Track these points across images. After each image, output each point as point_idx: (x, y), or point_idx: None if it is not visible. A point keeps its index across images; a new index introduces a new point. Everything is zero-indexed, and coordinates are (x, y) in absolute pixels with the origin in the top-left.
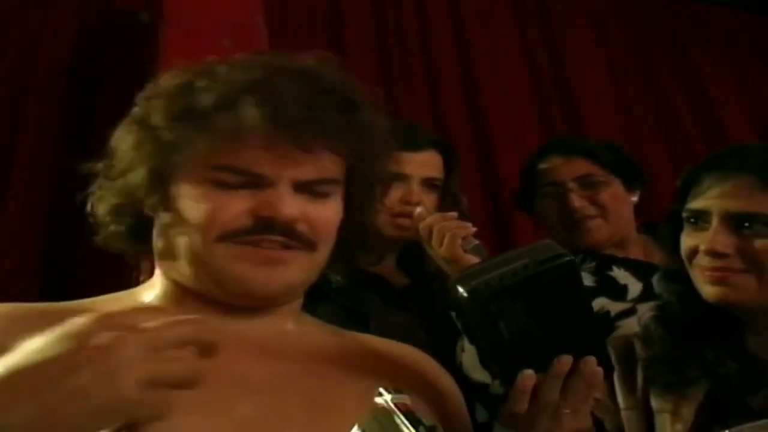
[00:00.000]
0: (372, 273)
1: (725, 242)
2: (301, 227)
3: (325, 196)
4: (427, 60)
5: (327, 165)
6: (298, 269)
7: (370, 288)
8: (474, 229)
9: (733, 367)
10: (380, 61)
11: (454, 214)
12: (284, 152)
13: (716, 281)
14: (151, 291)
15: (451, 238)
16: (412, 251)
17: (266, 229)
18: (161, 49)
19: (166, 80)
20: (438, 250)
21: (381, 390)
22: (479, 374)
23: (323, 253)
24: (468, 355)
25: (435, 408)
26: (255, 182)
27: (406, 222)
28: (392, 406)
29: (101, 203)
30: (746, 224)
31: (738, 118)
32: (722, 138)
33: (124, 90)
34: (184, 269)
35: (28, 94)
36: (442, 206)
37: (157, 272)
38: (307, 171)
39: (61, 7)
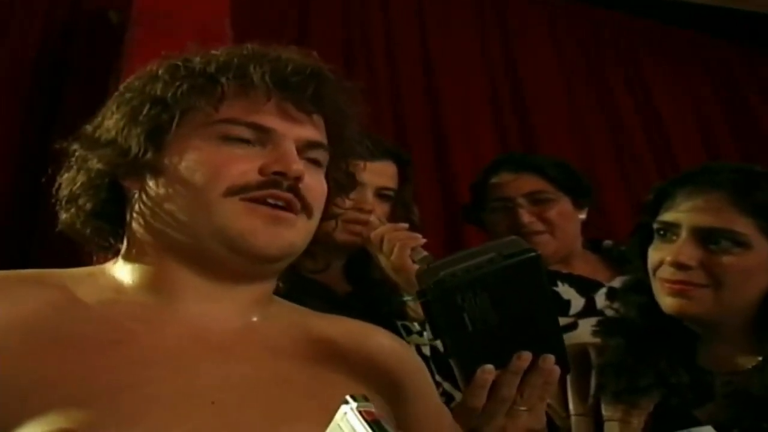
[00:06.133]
0: (314, 280)
1: (690, 255)
2: (303, 189)
3: (318, 164)
4: (392, 69)
5: (321, 131)
6: (298, 233)
7: (311, 294)
8: (423, 240)
9: (684, 377)
10: (345, 71)
11: (405, 225)
12: (289, 112)
13: (676, 293)
14: (124, 270)
15: (401, 248)
16: (358, 259)
17: (274, 185)
18: (129, 48)
19: (158, 62)
20: (387, 259)
21: (347, 398)
22: None
23: (315, 223)
24: None
25: (405, 391)
26: (262, 138)
27: (357, 229)
28: (358, 414)
29: (76, 177)
30: (713, 239)
31: (686, 136)
32: (669, 151)
33: (90, 89)
34: (178, 231)
35: None
36: (394, 216)
37: (130, 252)
38: (309, 132)
39: (28, 4)
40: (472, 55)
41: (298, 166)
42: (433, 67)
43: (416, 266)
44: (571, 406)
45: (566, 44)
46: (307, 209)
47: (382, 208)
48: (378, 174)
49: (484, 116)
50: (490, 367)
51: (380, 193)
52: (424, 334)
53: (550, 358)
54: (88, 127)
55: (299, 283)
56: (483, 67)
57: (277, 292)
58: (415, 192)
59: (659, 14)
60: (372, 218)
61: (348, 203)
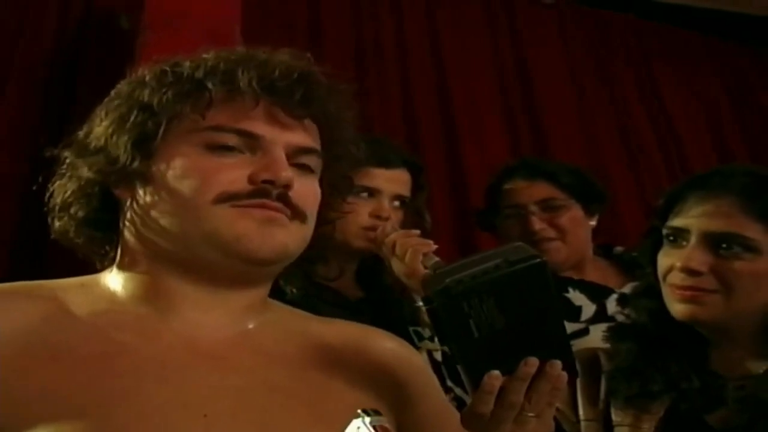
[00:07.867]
0: (326, 286)
1: (700, 260)
2: (293, 196)
3: (310, 171)
4: (403, 71)
5: (313, 136)
6: (291, 236)
7: (324, 299)
8: (435, 246)
9: (695, 382)
10: (357, 73)
11: (417, 231)
12: (278, 117)
13: (687, 299)
14: (117, 280)
15: (413, 253)
16: (369, 265)
17: (264, 193)
18: (139, 53)
19: (148, 66)
20: (399, 265)
21: (359, 412)
22: None
23: (310, 228)
24: None
25: (408, 391)
26: (250, 144)
27: (373, 235)
28: (371, 429)
29: (67, 184)
30: (724, 245)
31: (698, 137)
32: (680, 153)
33: (101, 93)
34: (169, 239)
35: (3, 94)
36: (407, 223)
37: (123, 261)
38: (298, 137)
39: (40, 8)
40: (483, 56)
41: (287, 173)
42: (444, 68)
43: (428, 271)
44: (581, 411)
45: (576, 46)
46: (299, 216)
47: (397, 215)
48: (393, 181)
49: (494, 118)
50: (497, 373)
51: (396, 201)
52: (436, 339)
53: (558, 363)
54: (80, 134)
55: (312, 289)
56: (494, 69)
57: (290, 298)
58: (427, 195)
59: (668, 17)
60: (385, 224)
61: (365, 210)
